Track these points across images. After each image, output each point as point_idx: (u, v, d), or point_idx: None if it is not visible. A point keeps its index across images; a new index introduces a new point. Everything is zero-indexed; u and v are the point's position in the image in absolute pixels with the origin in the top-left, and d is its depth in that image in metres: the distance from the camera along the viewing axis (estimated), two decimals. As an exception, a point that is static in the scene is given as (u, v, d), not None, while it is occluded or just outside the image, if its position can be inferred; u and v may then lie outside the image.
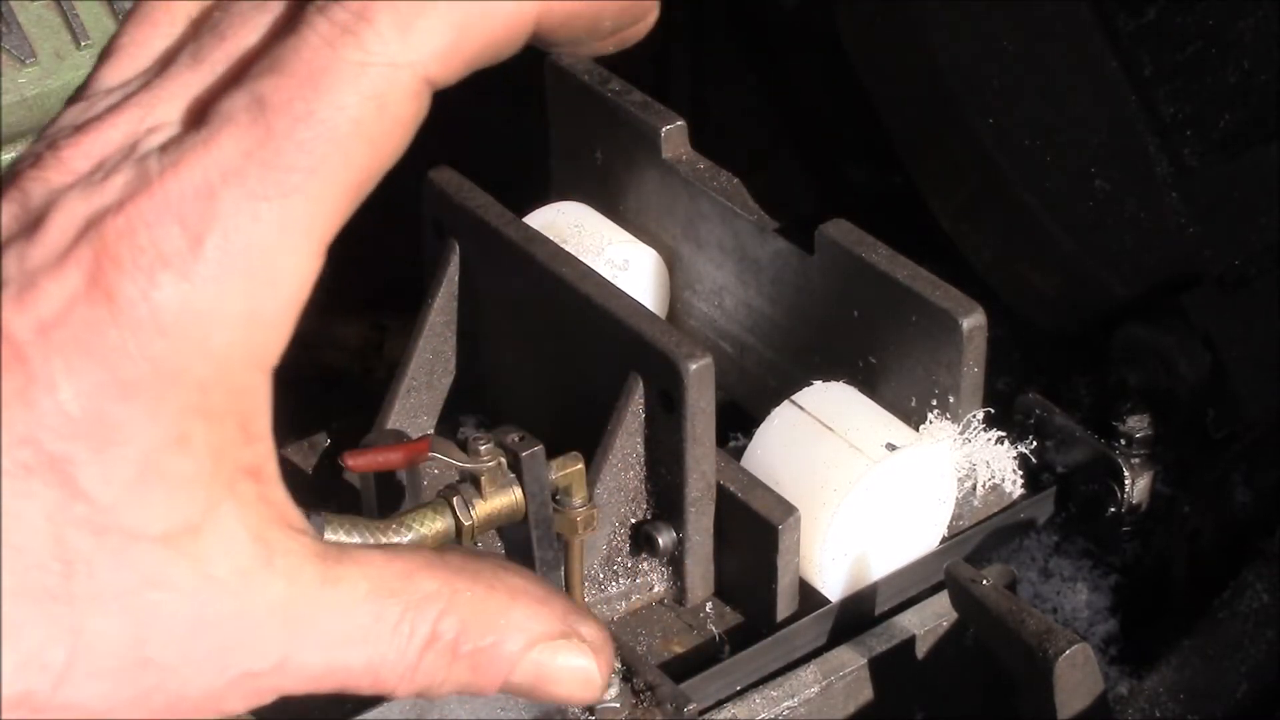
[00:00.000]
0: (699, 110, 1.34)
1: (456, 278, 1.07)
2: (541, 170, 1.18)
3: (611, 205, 1.14)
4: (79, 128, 0.60)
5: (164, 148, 0.58)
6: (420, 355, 1.07)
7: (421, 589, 0.63)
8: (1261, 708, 0.92)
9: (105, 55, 0.63)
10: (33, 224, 0.58)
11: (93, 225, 0.57)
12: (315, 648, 0.62)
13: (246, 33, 0.60)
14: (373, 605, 0.62)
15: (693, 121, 1.12)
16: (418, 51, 0.58)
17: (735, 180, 1.09)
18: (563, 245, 1.04)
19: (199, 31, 0.61)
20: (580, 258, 1.03)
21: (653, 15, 0.65)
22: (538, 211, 1.13)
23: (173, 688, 0.60)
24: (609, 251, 1.10)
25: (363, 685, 0.63)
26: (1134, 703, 0.93)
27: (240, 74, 0.59)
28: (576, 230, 1.11)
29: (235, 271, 0.57)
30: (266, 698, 0.62)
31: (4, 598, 0.56)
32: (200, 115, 0.59)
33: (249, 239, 0.57)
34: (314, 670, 0.62)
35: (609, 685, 0.71)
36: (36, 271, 0.57)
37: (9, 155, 1.00)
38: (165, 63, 0.61)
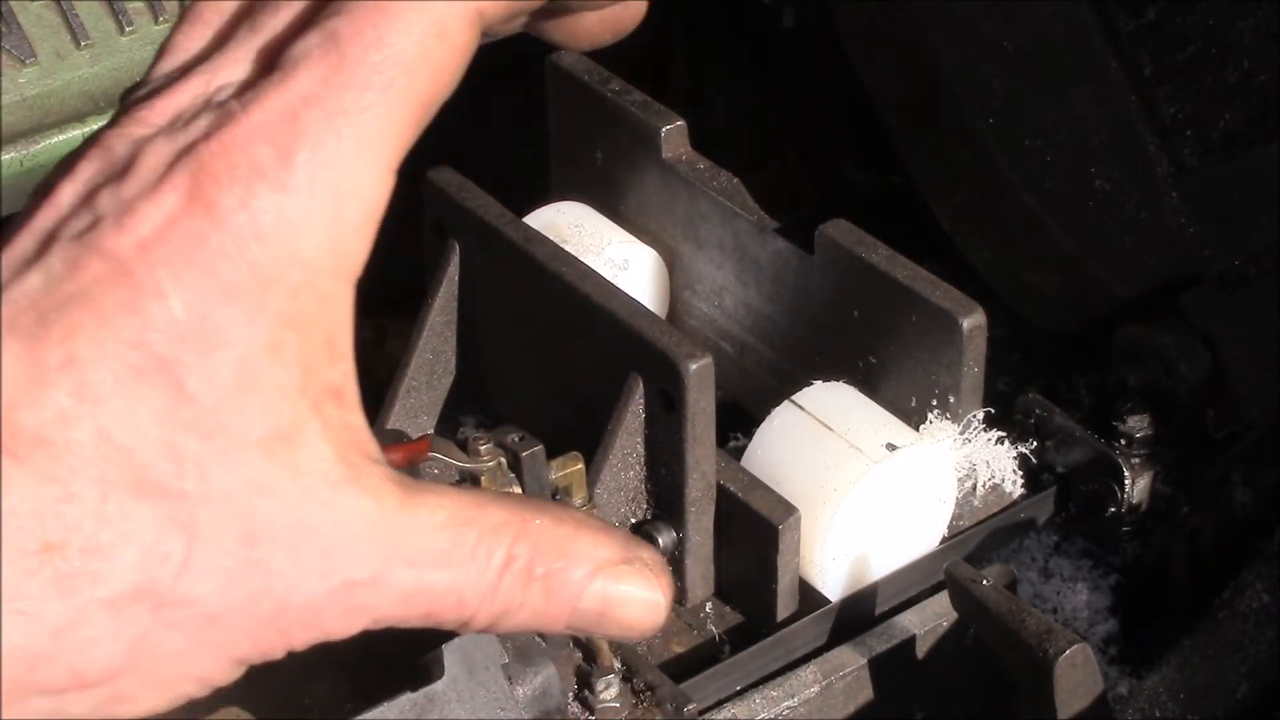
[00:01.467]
0: (699, 110, 1.34)
1: (456, 278, 1.07)
2: (541, 170, 1.18)
3: (611, 205, 1.14)
4: (150, 95, 0.64)
5: (240, 92, 0.62)
6: (420, 355, 1.07)
7: (494, 517, 0.66)
8: (1261, 708, 0.92)
9: (160, 53, 0.67)
10: (122, 169, 0.61)
11: (185, 154, 0.61)
12: (405, 565, 0.63)
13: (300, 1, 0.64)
14: (451, 531, 0.64)
15: (693, 121, 1.12)
16: None
17: (735, 180, 1.09)
18: (563, 245, 1.03)
19: (253, 9, 0.65)
20: (580, 258, 1.03)
21: None
22: (538, 211, 1.13)
23: (279, 592, 0.62)
24: (609, 251, 1.10)
25: (447, 607, 0.65)
26: (1134, 703, 0.93)
27: (300, 32, 0.63)
28: (576, 230, 1.11)
29: (322, 182, 0.61)
30: (362, 617, 0.64)
31: (122, 495, 0.59)
32: (269, 65, 0.63)
33: (333, 152, 0.61)
34: (406, 588, 0.64)
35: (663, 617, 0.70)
36: (133, 200, 0.61)
37: (9, 155, 1.00)
38: (222, 40, 0.65)
